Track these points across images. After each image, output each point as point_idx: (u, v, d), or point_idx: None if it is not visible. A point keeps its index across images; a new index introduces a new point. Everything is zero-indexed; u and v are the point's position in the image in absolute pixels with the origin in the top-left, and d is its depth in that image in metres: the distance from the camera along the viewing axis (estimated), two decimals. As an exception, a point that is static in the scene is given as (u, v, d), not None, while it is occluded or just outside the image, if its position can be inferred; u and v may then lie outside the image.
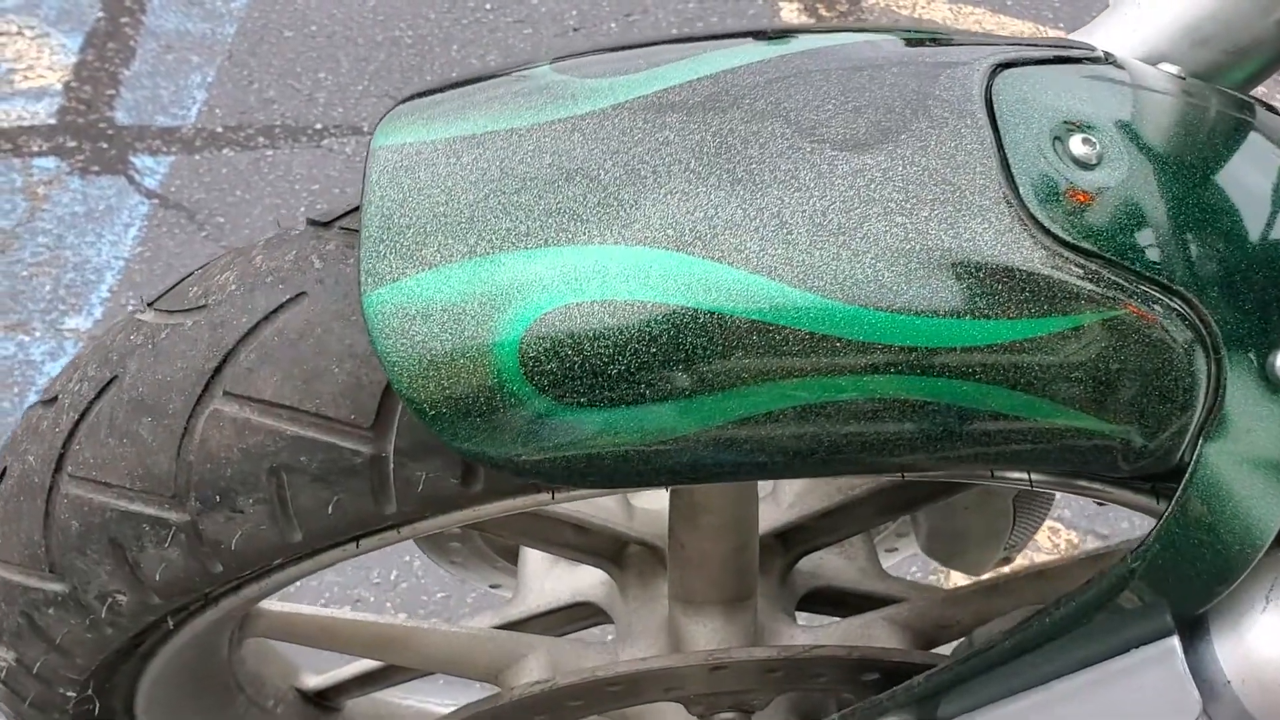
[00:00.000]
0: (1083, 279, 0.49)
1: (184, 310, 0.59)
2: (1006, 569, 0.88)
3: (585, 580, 0.90)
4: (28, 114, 2.25)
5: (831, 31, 0.55)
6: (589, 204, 0.49)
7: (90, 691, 0.68)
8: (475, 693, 0.85)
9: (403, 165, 0.51)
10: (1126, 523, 1.62)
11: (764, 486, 0.85)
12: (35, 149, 2.19)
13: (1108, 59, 0.57)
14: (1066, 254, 0.49)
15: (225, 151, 2.19)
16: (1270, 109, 0.60)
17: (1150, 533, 0.53)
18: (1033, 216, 0.49)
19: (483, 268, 0.49)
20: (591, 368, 0.48)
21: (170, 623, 0.64)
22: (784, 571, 0.87)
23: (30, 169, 2.16)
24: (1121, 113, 0.54)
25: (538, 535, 0.84)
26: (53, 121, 2.24)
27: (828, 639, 0.81)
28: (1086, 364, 0.49)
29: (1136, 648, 0.55)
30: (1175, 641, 0.54)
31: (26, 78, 2.33)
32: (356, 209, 0.58)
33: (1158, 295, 0.50)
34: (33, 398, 1.76)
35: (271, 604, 0.80)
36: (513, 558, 0.97)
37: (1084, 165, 0.51)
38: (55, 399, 0.62)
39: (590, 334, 0.48)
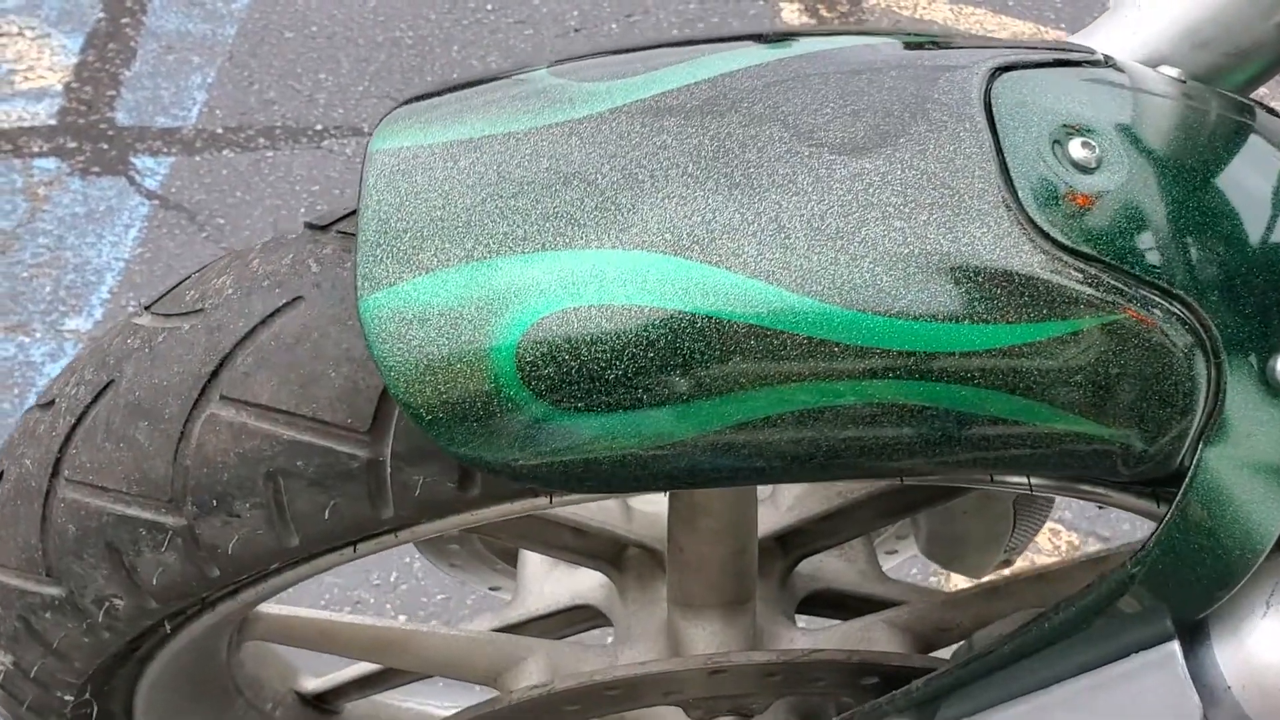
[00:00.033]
0: (1082, 283, 0.49)
1: (181, 314, 0.58)
2: (1007, 572, 0.88)
3: (584, 583, 0.89)
4: (28, 115, 2.25)
5: (830, 35, 0.55)
6: (586, 208, 0.49)
7: (88, 695, 0.68)
8: (475, 695, 0.85)
9: (400, 169, 0.51)
10: (1128, 524, 1.62)
11: (763, 490, 0.85)
12: (36, 150, 2.19)
13: (1107, 62, 0.57)
14: (1065, 258, 0.49)
15: (226, 152, 2.19)
16: (1271, 112, 0.60)
17: (1150, 537, 0.53)
18: (1031, 220, 0.49)
19: (480, 272, 0.49)
20: (588, 372, 0.48)
21: (167, 627, 0.64)
22: (783, 574, 0.87)
23: (31, 170, 2.16)
24: (1121, 116, 0.53)
25: (536, 538, 0.84)
26: (53, 122, 2.24)
27: (827, 643, 0.81)
28: (1086, 368, 0.49)
29: (1137, 652, 0.55)
30: (1175, 646, 0.54)
31: (27, 78, 2.33)
32: (353, 212, 0.58)
33: (1157, 299, 0.49)
34: (33, 399, 1.76)
35: (270, 607, 0.80)
36: (512, 560, 0.96)
37: (1083, 169, 0.51)
38: (52, 402, 0.62)
39: (587, 338, 0.48)
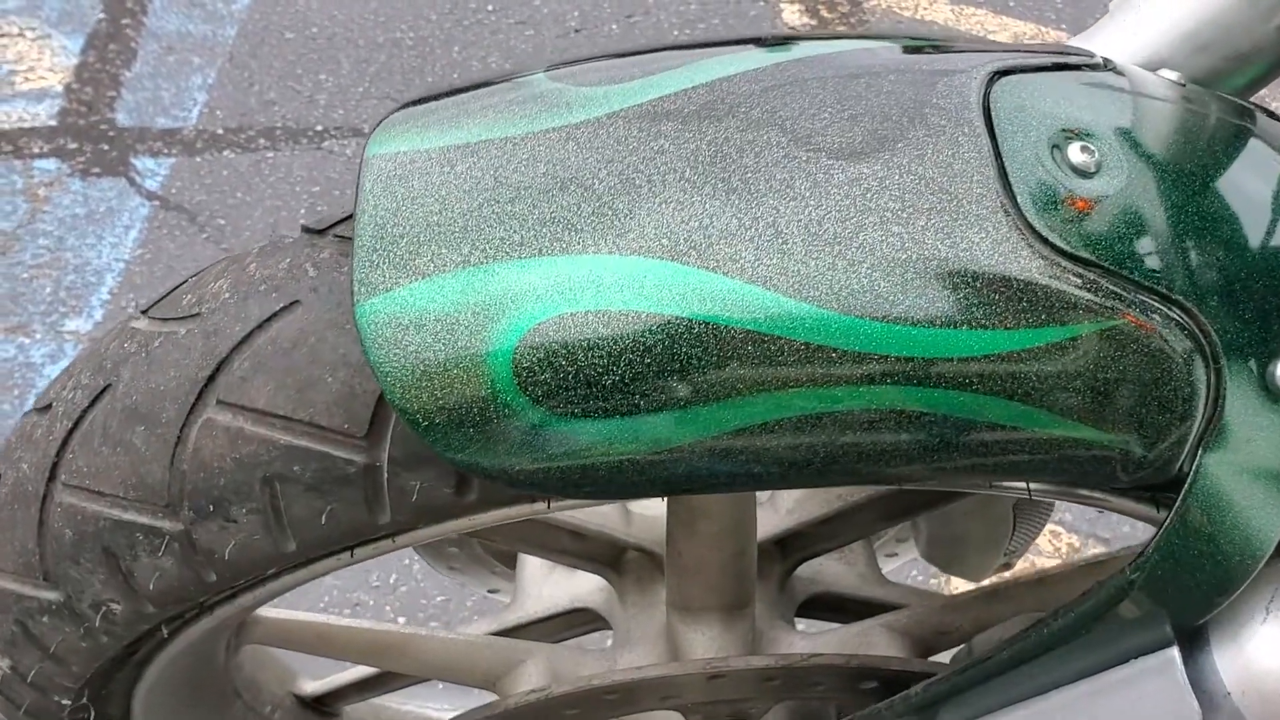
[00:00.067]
0: (1081, 288, 0.49)
1: (177, 318, 0.58)
2: (1007, 575, 0.88)
3: (583, 586, 0.89)
4: (29, 116, 2.25)
5: (829, 38, 0.55)
6: (583, 213, 0.49)
7: (85, 699, 0.67)
8: (474, 697, 0.85)
9: (397, 174, 0.51)
10: (1128, 526, 1.62)
11: (762, 493, 0.85)
12: (36, 151, 2.19)
13: (1107, 65, 0.57)
14: (1064, 263, 0.49)
15: (226, 153, 2.19)
16: (1271, 115, 0.60)
17: (1149, 543, 0.53)
18: (1030, 225, 0.49)
19: (476, 277, 0.48)
20: (585, 378, 0.48)
21: (165, 631, 0.64)
22: (783, 578, 0.87)
23: (31, 171, 2.16)
24: (1120, 120, 0.53)
25: (535, 542, 0.83)
26: (54, 123, 2.24)
27: (826, 647, 0.81)
28: (1085, 374, 0.49)
29: (1136, 658, 0.55)
30: (1175, 652, 0.54)
31: (28, 79, 2.33)
32: (350, 216, 0.58)
33: (1156, 304, 0.49)
34: (33, 400, 1.76)
35: (268, 611, 0.80)
36: (511, 563, 0.96)
37: (1082, 173, 0.50)
38: (49, 406, 0.62)
39: (584, 344, 0.48)
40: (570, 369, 0.48)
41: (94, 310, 1.92)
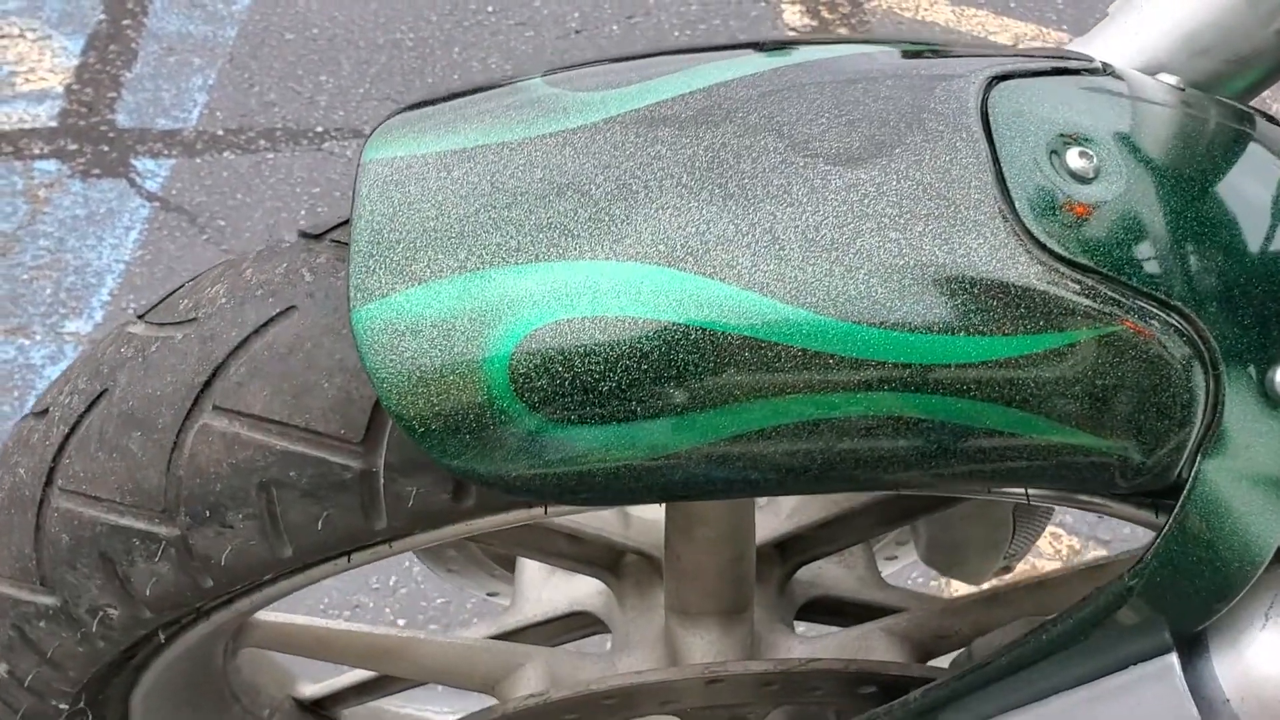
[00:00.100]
0: (1079, 294, 0.48)
1: (174, 323, 0.58)
2: (1007, 578, 0.88)
3: (582, 589, 0.89)
4: (29, 117, 2.25)
5: (827, 43, 0.55)
6: (580, 219, 0.49)
7: (83, 704, 0.67)
8: (473, 700, 0.85)
9: (393, 179, 0.50)
10: (1129, 528, 1.62)
11: (761, 498, 0.85)
12: (36, 152, 2.19)
13: (1105, 70, 0.57)
14: (1062, 269, 0.48)
15: (226, 154, 2.19)
16: (1270, 119, 0.59)
17: (1148, 549, 0.53)
18: (1028, 231, 0.48)
19: (473, 283, 0.48)
20: (582, 384, 0.48)
21: (162, 636, 0.64)
22: (782, 581, 0.87)
23: (31, 172, 2.16)
24: (1119, 125, 0.53)
25: (533, 545, 0.83)
26: (54, 124, 2.24)
27: (825, 651, 0.80)
28: (1083, 380, 0.49)
29: (1135, 664, 0.55)
30: (1174, 659, 0.54)
31: (28, 80, 2.33)
32: (348, 221, 0.57)
33: (1155, 310, 0.49)
34: (33, 401, 1.76)
35: (266, 615, 0.80)
36: (510, 566, 0.96)
37: (1081, 179, 0.50)
38: (46, 411, 0.62)
39: (581, 350, 0.48)
40: (567, 375, 0.48)
41: (94, 312, 1.92)
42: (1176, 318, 0.49)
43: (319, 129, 2.24)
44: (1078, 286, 0.48)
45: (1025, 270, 0.48)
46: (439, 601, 1.54)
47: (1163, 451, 0.50)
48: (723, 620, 0.77)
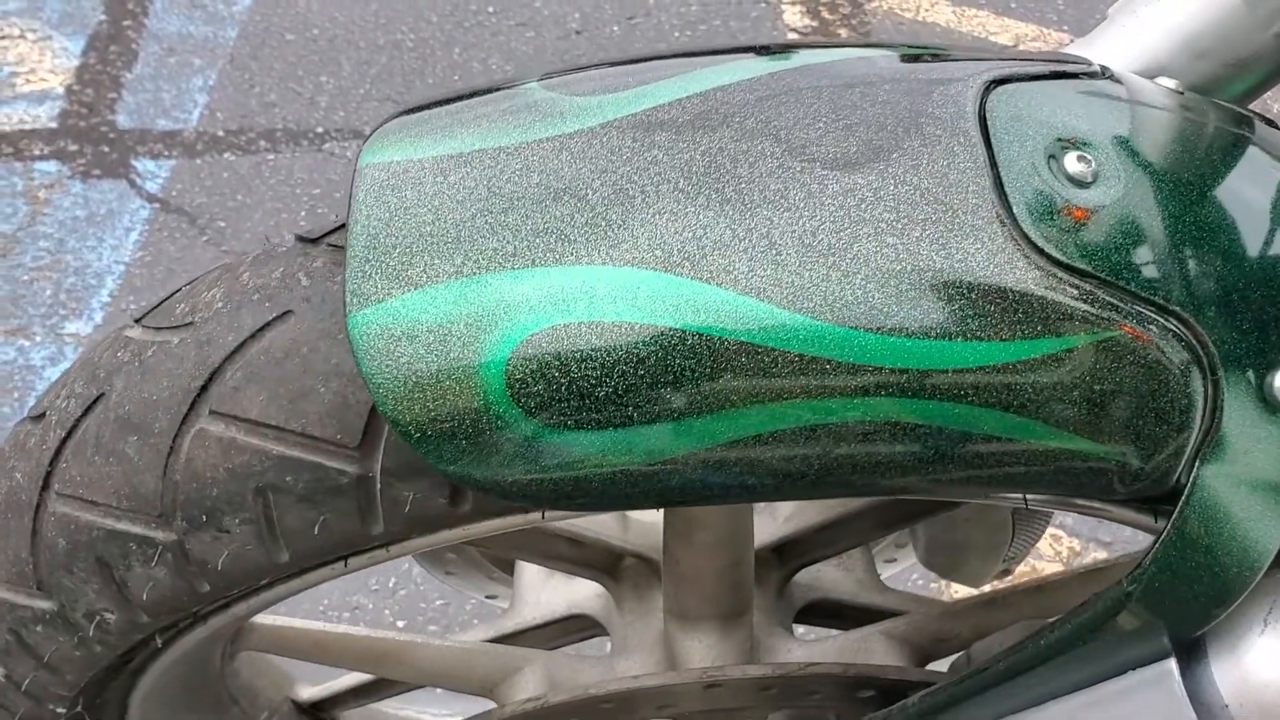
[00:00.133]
0: (1077, 299, 0.48)
1: (171, 327, 0.58)
2: (1006, 582, 0.88)
3: (581, 592, 0.89)
4: (29, 117, 2.25)
5: (825, 47, 0.55)
6: (576, 224, 0.48)
7: (80, 708, 0.67)
8: (472, 702, 0.84)
9: (389, 184, 0.50)
10: (1129, 530, 1.61)
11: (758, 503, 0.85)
12: (37, 153, 2.19)
13: (1104, 73, 0.56)
14: (1060, 274, 0.48)
15: (226, 155, 2.19)
16: (1269, 123, 0.59)
17: (1147, 554, 0.53)
18: (1026, 236, 0.48)
19: (469, 288, 0.48)
20: (578, 390, 0.48)
21: (159, 641, 0.63)
22: (781, 584, 0.86)
23: (31, 173, 2.16)
24: (1118, 129, 0.53)
25: (531, 549, 0.83)
26: (54, 125, 2.24)
27: (824, 654, 0.80)
28: (1081, 386, 0.49)
29: (1133, 670, 0.55)
30: (1172, 664, 0.54)
31: (29, 81, 2.33)
32: (344, 225, 0.57)
33: (1153, 315, 0.49)
34: (33, 403, 1.76)
35: (264, 618, 0.80)
36: (509, 568, 0.96)
37: (1079, 183, 0.50)
38: (43, 415, 0.62)
39: (577, 355, 0.47)
40: (563, 380, 0.48)
41: (94, 313, 1.92)
42: (1175, 323, 0.49)
43: (319, 130, 2.24)
44: (1075, 291, 0.48)
45: (1023, 275, 0.48)
46: (438, 603, 1.54)
47: (1161, 457, 0.50)
48: (721, 624, 0.77)
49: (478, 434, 0.48)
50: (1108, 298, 0.48)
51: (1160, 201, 0.51)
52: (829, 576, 0.89)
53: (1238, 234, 0.52)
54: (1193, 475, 0.51)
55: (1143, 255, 0.50)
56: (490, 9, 2.52)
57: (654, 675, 0.72)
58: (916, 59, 0.54)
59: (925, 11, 2.51)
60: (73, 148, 2.20)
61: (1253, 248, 0.52)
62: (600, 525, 0.84)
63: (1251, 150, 0.56)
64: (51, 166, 2.16)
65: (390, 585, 1.55)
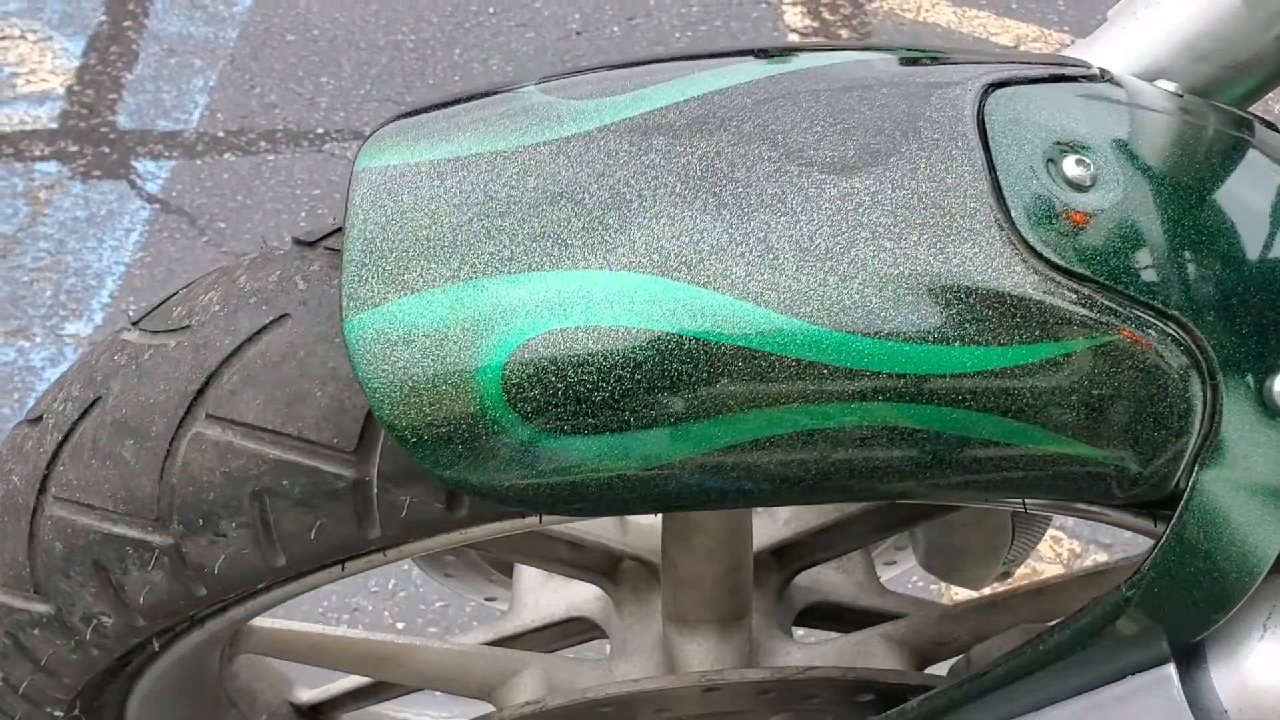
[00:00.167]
0: (1075, 304, 0.48)
1: (167, 331, 0.58)
2: (1006, 585, 0.88)
3: (580, 595, 0.89)
4: (30, 118, 2.25)
5: (823, 50, 0.55)
6: (573, 228, 0.48)
7: (78, 711, 0.67)
8: (472, 705, 0.84)
9: (386, 188, 0.50)
10: (1129, 532, 1.61)
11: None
12: (37, 153, 2.19)
13: (1103, 76, 0.56)
14: (1059, 278, 0.48)
15: (227, 156, 2.19)
16: (1269, 126, 0.59)
17: (1146, 559, 0.53)
18: (1024, 240, 0.48)
19: (466, 292, 0.48)
20: (575, 394, 0.48)
21: (156, 644, 0.63)
22: (780, 587, 0.86)
23: (32, 173, 2.16)
24: (1117, 132, 0.53)
25: (530, 552, 0.83)
26: (54, 126, 2.24)
27: (823, 659, 0.80)
28: (1079, 390, 0.48)
29: (1132, 675, 0.55)
30: (1171, 669, 0.54)
31: (29, 82, 2.33)
32: (341, 229, 0.57)
33: (1152, 320, 0.49)
34: (33, 403, 1.75)
35: (262, 621, 0.80)
36: (508, 571, 0.96)
37: (1078, 187, 0.50)
38: (40, 418, 0.62)
39: (574, 360, 0.47)
40: (560, 385, 0.48)
41: (94, 314, 1.92)
42: (1174, 327, 0.49)
43: (320, 130, 2.24)
44: (1074, 295, 0.48)
45: (1021, 279, 0.48)
46: (438, 605, 1.54)
47: (1160, 461, 0.50)
48: (720, 627, 0.77)
49: (474, 439, 0.48)
50: (1106, 302, 0.48)
51: (1159, 205, 0.51)
52: (828, 579, 0.89)
53: (1237, 238, 0.52)
54: (1192, 480, 0.50)
55: (1141, 259, 0.50)
56: (491, 10, 2.52)
57: (653, 679, 0.72)
58: (915, 62, 0.54)
59: (926, 12, 2.51)
60: (73, 148, 2.20)
61: (1253, 251, 0.52)
62: (599, 528, 0.84)
63: (1251, 153, 0.56)
64: (52, 167, 2.16)
65: (390, 587, 1.55)
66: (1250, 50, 0.63)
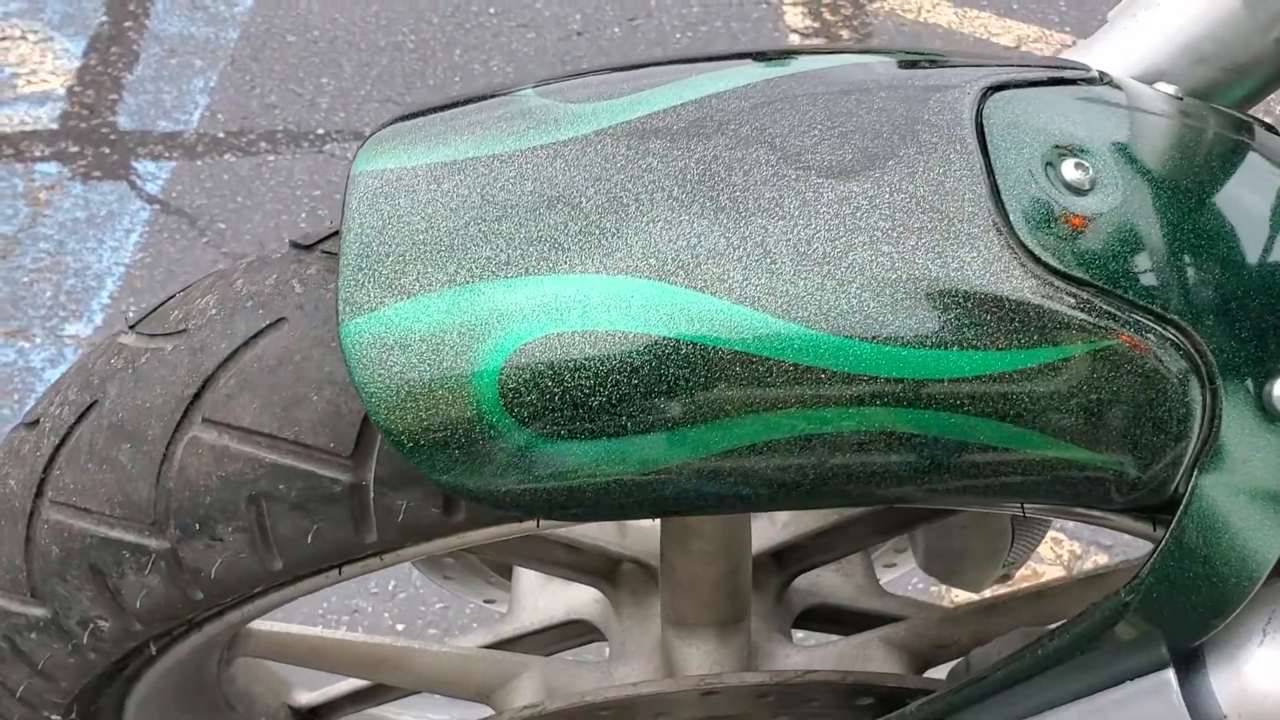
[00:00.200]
0: (1074, 308, 0.48)
1: (164, 334, 0.58)
2: (1006, 587, 0.87)
3: (579, 598, 0.89)
4: (30, 119, 2.25)
5: (821, 53, 0.54)
6: (571, 232, 0.48)
7: (75, 714, 0.67)
8: (472, 707, 0.84)
9: (383, 191, 0.50)
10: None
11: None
12: (37, 154, 2.19)
13: (1103, 79, 0.56)
14: (1057, 283, 0.48)
15: (227, 157, 2.19)
16: (1269, 128, 0.59)
17: (1145, 564, 0.52)
18: (1023, 244, 0.48)
19: (462, 297, 0.48)
20: (572, 399, 0.47)
21: (153, 648, 0.63)
22: (779, 590, 0.86)
23: (32, 174, 2.16)
24: (1116, 136, 0.52)
25: (529, 555, 0.83)
26: (55, 126, 2.24)
27: (823, 661, 0.80)
28: (1078, 395, 0.48)
29: (1131, 680, 0.55)
30: (1170, 674, 0.54)
31: (30, 82, 2.33)
32: (338, 232, 0.57)
33: (1151, 324, 0.49)
34: (33, 404, 1.75)
35: (260, 624, 0.79)
36: (507, 573, 0.96)
37: (1076, 190, 0.50)
38: (37, 422, 0.62)
39: (571, 365, 0.47)
40: (557, 390, 0.47)
41: (94, 314, 1.92)
42: (1173, 331, 0.49)
43: (320, 131, 2.24)
44: (1073, 300, 0.48)
45: (1019, 284, 0.48)
46: (438, 606, 1.54)
47: (1159, 466, 0.50)
48: (719, 631, 0.77)
49: (471, 443, 0.48)
50: (1105, 306, 0.48)
51: (1159, 208, 0.51)
52: (828, 582, 0.89)
53: (1237, 241, 0.52)
54: (1191, 484, 0.50)
55: (1141, 263, 0.49)
56: (491, 10, 2.52)
57: (651, 682, 0.72)
58: (913, 65, 0.54)
59: (927, 13, 2.51)
60: (73, 149, 2.20)
61: (1252, 255, 0.52)
62: (598, 531, 0.83)
63: (1251, 156, 0.56)
64: (52, 168, 2.16)
65: (390, 589, 1.55)
66: (1250, 53, 0.63)
